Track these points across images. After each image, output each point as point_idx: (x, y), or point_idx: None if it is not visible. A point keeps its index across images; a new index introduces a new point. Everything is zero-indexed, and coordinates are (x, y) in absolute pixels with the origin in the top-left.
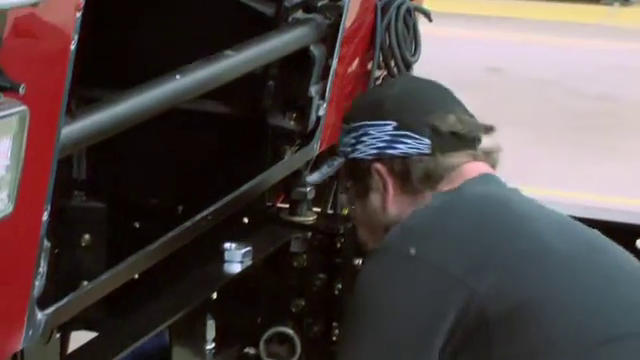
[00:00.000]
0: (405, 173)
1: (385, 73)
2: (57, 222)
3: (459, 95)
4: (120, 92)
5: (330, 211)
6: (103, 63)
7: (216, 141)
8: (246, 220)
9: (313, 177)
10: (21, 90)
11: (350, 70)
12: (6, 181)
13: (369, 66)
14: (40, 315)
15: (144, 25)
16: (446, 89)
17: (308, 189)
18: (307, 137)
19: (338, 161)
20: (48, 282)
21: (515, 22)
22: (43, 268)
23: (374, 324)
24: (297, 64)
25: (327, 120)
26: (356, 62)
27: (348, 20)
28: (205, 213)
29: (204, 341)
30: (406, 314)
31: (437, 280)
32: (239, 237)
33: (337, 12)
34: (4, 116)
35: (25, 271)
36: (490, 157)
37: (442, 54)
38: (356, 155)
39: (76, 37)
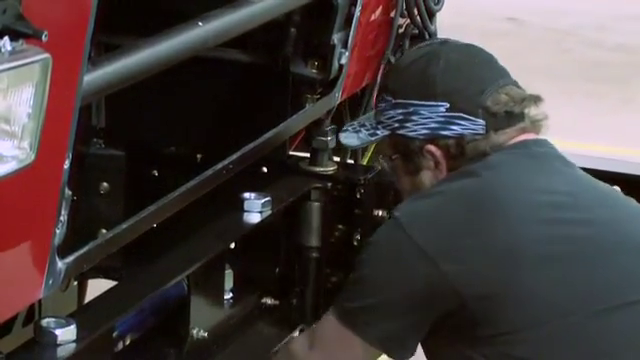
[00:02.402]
0: (460, 154)
1: (408, 21)
2: (75, 170)
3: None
4: (140, 39)
5: (350, 161)
6: (120, 9)
7: (236, 89)
8: (265, 170)
9: (351, 140)
10: (44, 37)
11: (373, 18)
12: (28, 130)
13: (392, 14)
14: (60, 264)
15: None
16: (490, 56)
17: (329, 138)
18: (329, 86)
19: (382, 133)
20: (67, 230)
21: None
22: (64, 216)
23: (365, 277)
24: (320, 11)
25: (349, 69)
26: (379, 10)
27: None
28: (225, 162)
29: (222, 291)
30: (387, 275)
31: (416, 256)
32: (259, 187)
33: None
34: (26, 63)
35: (46, 219)
36: (536, 126)
37: (459, 4)
38: (405, 132)
39: None
